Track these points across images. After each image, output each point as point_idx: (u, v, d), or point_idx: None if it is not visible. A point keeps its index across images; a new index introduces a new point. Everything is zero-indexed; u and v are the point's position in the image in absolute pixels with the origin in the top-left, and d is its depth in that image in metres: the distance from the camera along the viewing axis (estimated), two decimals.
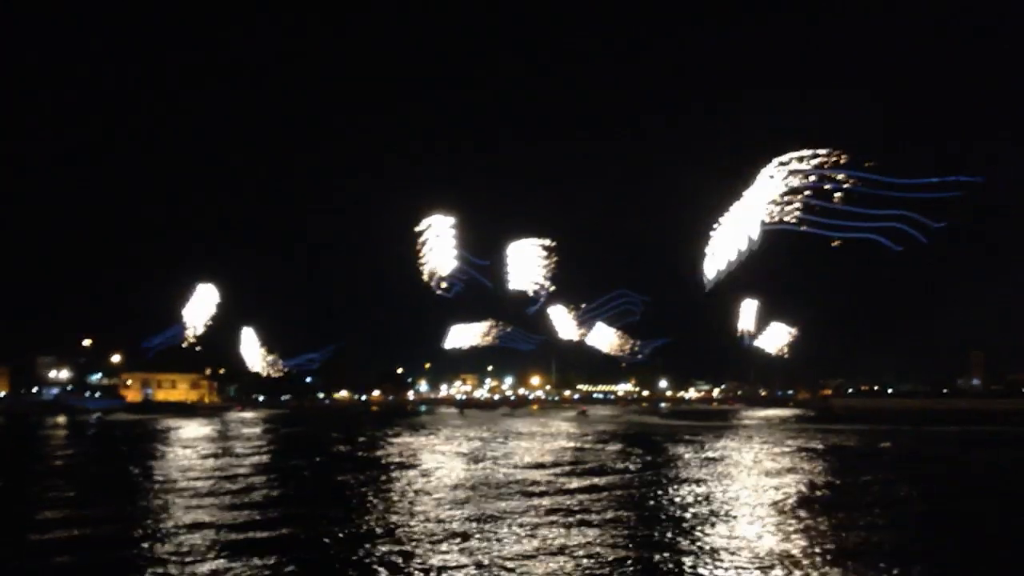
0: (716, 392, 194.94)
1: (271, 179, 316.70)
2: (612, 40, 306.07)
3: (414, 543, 20.34)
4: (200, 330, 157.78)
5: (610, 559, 18.35)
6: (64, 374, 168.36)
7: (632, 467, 39.64)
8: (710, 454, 47.53)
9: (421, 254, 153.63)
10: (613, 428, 79.98)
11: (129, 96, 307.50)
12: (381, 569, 17.67)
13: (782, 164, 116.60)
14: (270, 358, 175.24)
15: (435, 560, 18.34)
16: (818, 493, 29.52)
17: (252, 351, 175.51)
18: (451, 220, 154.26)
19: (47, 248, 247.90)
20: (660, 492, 29.84)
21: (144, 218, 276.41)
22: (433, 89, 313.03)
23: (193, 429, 79.60)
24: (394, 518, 24.33)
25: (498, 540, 20.56)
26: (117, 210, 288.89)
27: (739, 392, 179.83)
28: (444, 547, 19.83)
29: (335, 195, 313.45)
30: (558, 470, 37.93)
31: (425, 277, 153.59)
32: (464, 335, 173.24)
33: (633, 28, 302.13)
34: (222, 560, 18.30)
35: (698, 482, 32.97)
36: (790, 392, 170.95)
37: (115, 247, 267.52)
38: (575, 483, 32.64)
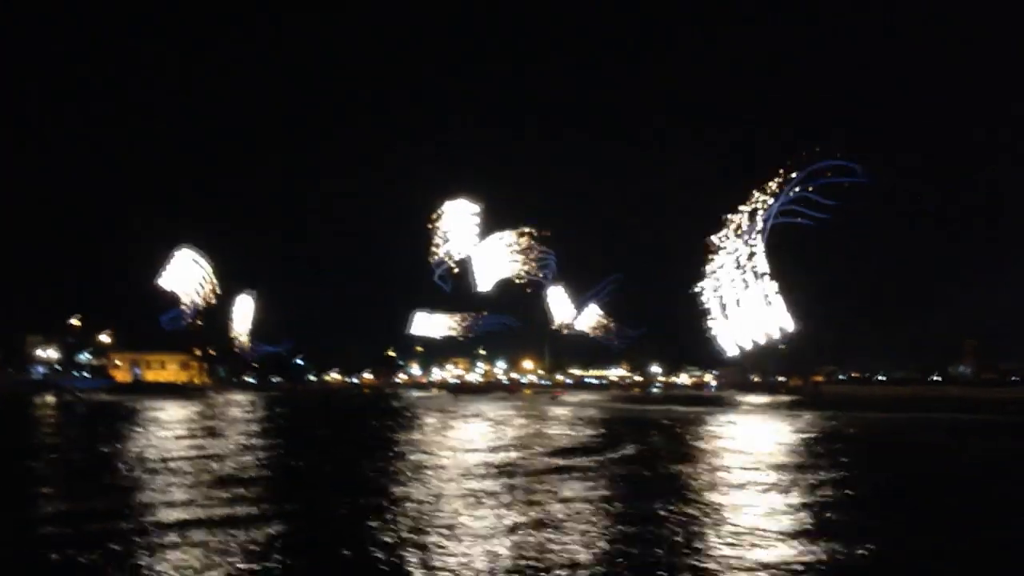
0: (709, 378, 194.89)
1: (271, 160, 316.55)
2: (617, 40, 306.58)
3: (400, 521, 19.93)
4: (197, 309, 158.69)
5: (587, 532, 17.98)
6: (53, 354, 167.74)
7: (608, 450, 39.26)
8: (688, 438, 47.48)
9: (435, 239, 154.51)
10: (602, 414, 79.93)
11: (128, 71, 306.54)
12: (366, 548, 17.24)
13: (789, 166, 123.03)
14: (251, 345, 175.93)
15: (422, 539, 17.92)
16: (772, 476, 29.11)
17: (243, 328, 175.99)
18: (474, 207, 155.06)
19: (36, 227, 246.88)
20: (625, 473, 29.67)
21: (141, 199, 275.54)
22: (439, 82, 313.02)
23: (173, 411, 79.17)
24: (381, 499, 23.93)
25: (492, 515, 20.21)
26: (112, 188, 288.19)
27: (729, 377, 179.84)
28: (434, 526, 19.40)
29: (336, 178, 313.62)
30: (540, 450, 37.61)
31: (438, 258, 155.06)
32: (431, 323, 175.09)
33: (640, 28, 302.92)
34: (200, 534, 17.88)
35: (666, 462, 32.78)
36: (782, 379, 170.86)
37: (109, 225, 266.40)
38: (559, 462, 32.35)
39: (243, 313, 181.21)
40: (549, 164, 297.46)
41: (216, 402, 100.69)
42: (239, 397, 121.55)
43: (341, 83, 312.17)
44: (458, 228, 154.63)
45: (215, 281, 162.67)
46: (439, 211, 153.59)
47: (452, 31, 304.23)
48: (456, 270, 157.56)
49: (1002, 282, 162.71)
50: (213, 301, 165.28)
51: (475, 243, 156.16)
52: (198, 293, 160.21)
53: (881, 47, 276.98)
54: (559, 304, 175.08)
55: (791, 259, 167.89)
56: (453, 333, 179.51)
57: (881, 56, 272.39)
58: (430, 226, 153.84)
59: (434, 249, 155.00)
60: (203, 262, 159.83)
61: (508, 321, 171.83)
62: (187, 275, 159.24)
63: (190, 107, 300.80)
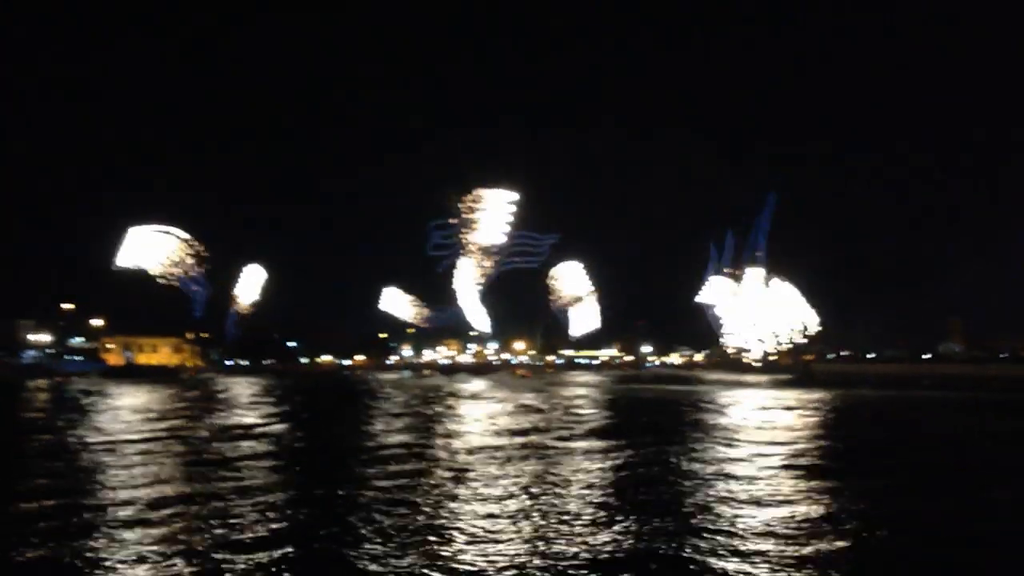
0: (699, 357, 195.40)
1: (271, 151, 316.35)
2: (620, 41, 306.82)
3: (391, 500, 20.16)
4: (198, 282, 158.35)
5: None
6: (45, 338, 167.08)
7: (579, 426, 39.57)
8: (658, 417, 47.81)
9: (466, 225, 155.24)
10: (595, 394, 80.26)
11: (136, 71, 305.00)
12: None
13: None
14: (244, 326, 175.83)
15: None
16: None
17: (248, 302, 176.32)
18: (512, 195, 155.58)
19: (33, 214, 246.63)
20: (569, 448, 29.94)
21: (138, 187, 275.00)
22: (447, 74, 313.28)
23: (148, 396, 79.26)
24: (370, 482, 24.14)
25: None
26: (111, 176, 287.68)
27: (720, 358, 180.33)
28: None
29: (336, 168, 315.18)
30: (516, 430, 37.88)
31: (452, 246, 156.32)
32: (397, 302, 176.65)
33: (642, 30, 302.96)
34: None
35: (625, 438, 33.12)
36: (772, 358, 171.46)
37: (105, 212, 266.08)
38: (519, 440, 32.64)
39: (249, 287, 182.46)
40: (551, 162, 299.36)
41: (198, 385, 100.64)
42: (227, 380, 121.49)
43: (341, 80, 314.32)
44: (487, 217, 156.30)
45: (200, 248, 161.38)
46: (470, 198, 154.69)
47: (452, 33, 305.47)
48: (466, 258, 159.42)
49: (991, 262, 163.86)
50: (202, 269, 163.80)
51: (504, 232, 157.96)
52: (178, 265, 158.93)
53: (881, 46, 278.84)
54: (573, 280, 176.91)
55: (785, 244, 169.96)
56: (413, 319, 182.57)
57: (874, 52, 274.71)
58: (464, 213, 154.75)
59: (458, 237, 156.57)
60: (177, 233, 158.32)
61: (458, 312, 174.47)
62: (155, 250, 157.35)
63: (194, 102, 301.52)
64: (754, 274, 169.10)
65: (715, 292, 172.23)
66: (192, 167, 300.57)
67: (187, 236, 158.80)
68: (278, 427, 41.45)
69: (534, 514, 17.75)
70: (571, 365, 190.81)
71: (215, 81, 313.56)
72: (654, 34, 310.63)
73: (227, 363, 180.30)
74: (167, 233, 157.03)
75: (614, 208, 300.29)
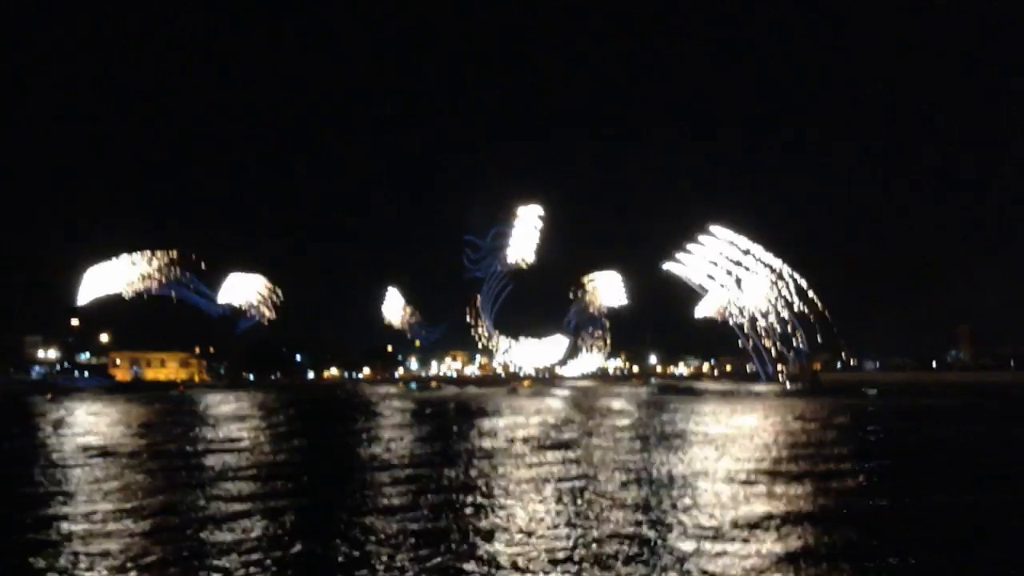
0: (706, 367, 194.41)
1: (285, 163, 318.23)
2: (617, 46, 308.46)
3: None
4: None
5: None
6: (53, 354, 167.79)
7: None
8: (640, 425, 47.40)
9: (499, 245, 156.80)
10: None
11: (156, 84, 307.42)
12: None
13: None
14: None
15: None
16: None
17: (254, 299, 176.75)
18: (539, 210, 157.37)
19: (36, 225, 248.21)
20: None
21: (143, 202, 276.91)
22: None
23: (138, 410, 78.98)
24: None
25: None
26: (116, 191, 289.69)
27: (728, 367, 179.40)
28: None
29: (348, 181, 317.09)
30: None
31: (513, 261, 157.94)
32: (394, 306, 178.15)
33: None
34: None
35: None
36: (780, 367, 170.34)
37: (109, 227, 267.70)
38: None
39: (259, 300, 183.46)
40: (554, 170, 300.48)
41: (188, 400, 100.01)
42: (225, 394, 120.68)
43: (345, 91, 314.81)
44: (533, 233, 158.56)
45: (198, 263, 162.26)
46: (521, 212, 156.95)
47: (462, 47, 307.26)
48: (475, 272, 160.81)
49: (998, 268, 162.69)
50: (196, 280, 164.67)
51: (534, 248, 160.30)
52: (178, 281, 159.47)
53: (887, 46, 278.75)
54: (608, 289, 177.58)
55: (793, 250, 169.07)
56: (402, 326, 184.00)
57: (880, 52, 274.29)
58: (498, 233, 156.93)
59: (487, 256, 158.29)
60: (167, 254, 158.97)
61: (462, 325, 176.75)
62: (140, 273, 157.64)
63: (198, 110, 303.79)
64: (758, 282, 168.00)
65: (717, 301, 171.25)
66: (198, 181, 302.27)
67: (185, 254, 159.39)
68: (254, 442, 41.16)
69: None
70: (578, 376, 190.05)
71: (221, 88, 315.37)
72: (654, 37, 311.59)
73: (233, 377, 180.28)
74: (152, 256, 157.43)
75: (616, 214, 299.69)
